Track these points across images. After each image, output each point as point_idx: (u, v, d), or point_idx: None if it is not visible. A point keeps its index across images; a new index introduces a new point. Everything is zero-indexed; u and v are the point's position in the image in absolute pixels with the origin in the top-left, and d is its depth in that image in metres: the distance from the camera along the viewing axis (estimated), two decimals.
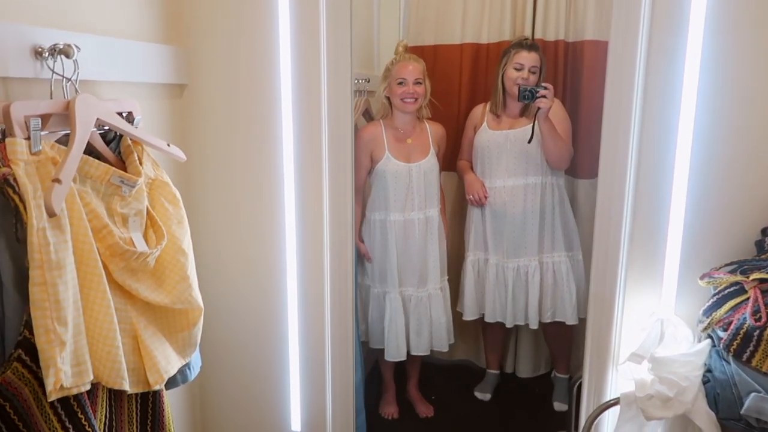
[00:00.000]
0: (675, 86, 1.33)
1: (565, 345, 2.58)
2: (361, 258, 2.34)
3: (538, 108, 2.16)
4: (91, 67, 1.15)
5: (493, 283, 2.45)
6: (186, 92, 1.57)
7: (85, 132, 0.99)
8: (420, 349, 2.38)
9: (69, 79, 1.04)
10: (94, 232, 0.98)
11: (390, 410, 2.56)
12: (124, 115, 1.16)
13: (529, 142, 2.26)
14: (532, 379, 2.78)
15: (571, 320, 2.42)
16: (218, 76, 1.56)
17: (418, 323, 2.35)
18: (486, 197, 2.38)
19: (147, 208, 1.13)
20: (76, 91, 1.04)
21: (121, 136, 1.15)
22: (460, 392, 2.75)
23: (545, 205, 2.37)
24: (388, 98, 2.30)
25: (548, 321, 2.44)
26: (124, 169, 1.12)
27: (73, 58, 1.03)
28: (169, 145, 1.24)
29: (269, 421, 1.72)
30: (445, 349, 2.43)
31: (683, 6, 1.30)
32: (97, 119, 1.05)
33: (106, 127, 1.11)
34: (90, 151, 1.06)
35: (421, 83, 2.25)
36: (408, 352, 2.39)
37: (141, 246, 1.08)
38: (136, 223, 1.10)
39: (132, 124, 1.16)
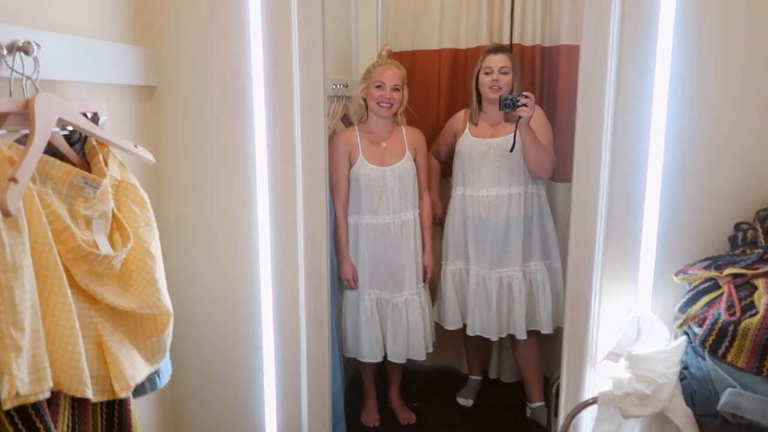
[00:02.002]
0: (646, 87, 1.34)
1: (535, 362, 2.50)
2: (337, 263, 2.31)
3: (519, 117, 2.16)
4: (55, 66, 1.13)
5: (474, 294, 2.42)
6: (156, 94, 1.54)
7: (44, 131, 0.96)
8: (396, 356, 2.34)
9: (29, 78, 1.01)
10: (55, 235, 0.95)
11: (371, 418, 2.53)
12: (89, 115, 1.13)
13: (511, 151, 2.25)
14: (515, 384, 2.76)
15: (545, 329, 2.40)
16: (189, 78, 1.53)
17: (394, 329, 2.32)
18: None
19: (113, 211, 1.10)
20: (37, 90, 1.02)
21: (86, 137, 1.12)
22: (443, 398, 2.73)
23: (527, 215, 2.36)
24: (365, 100, 2.29)
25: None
26: (89, 171, 1.09)
27: (33, 56, 1.00)
28: (136, 146, 1.21)
29: (244, 429, 1.68)
30: (422, 358, 2.38)
31: (653, 7, 1.31)
32: (60, 119, 1.02)
33: (70, 128, 1.08)
34: (52, 152, 1.03)
35: (399, 90, 2.25)
36: (386, 359, 2.37)
37: (105, 249, 1.05)
38: (101, 225, 1.07)
39: (97, 125, 1.13)
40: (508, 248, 2.36)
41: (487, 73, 2.30)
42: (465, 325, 2.49)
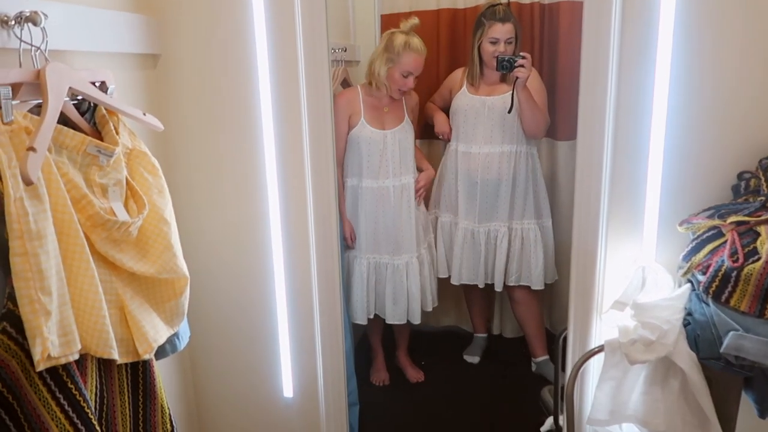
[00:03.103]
0: (650, 38, 1.34)
1: (534, 316, 2.56)
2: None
3: (517, 77, 2.16)
4: (60, 36, 1.13)
5: (460, 246, 2.47)
6: (160, 62, 1.54)
7: (57, 100, 0.97)
8: (397, 318, 2.39)
9: (38, 48, 1.01)
10: (73, 203, 0.97)
11: (380, 377, 2.59)
12: (97, 84, 1.14)
13: (509, 112, 2.27)
14: (519, 339, 2.81)
15: (536, 285, 2.46)
16: (192, 45, 1.53)
17: (394, 292, 2.36)
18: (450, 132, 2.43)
19: (126, 178, 1.11)
20: (46, 60, 1.02)
21: (95, 106, 1.13)
22: (450, 357, 2.80)
23: (519, 173, 2.39)
24: (379, 74, 2.24)
25: (513, 285, 2.48)
26: (101, 140, 1.10)
27: (41, 26, 1.00)
28: (145, 114, 1.22)
29: (262, 388, 1.74)
30: (418, 321, 2.42)
31: None
32: (70, 88, 1.03)
33: (80, 98, 1.09)
34: (64, 121, 1.04)
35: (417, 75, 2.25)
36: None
37: (122, 215, 1.07)
38: (116, 193, 1.09)
39: (106, 94, 1.14)
40: (498, 204, 2.41)
41: (492, 43, 2.28)
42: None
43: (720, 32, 1.31)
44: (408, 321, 2.41)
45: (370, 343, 2.65)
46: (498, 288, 2.50)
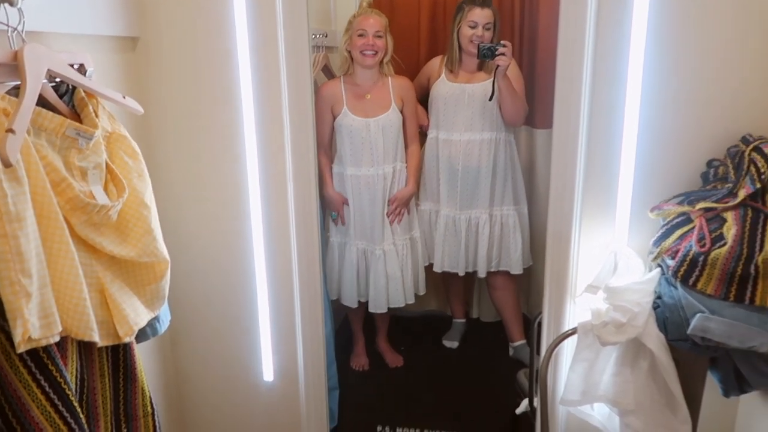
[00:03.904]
0: (624, 29, 1.36)
1: (512, 302, 2.61)
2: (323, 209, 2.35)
3: (497, 65, 2.18)
4: (37, 17, 1.11)
5: (442, 234, 2.50)
6: (139, 45, 1.53)
7: (36, 82, 0.96)
8: (378, 306, 2.41)
9: (15, 29, 1.00)
10: (52, 186, 0.96)
11: (360, 362, 2.63)
12: (75, 67, 1.13)
13: (490, 99, 2.29)
14: (497, 324, 2.85)
15: (515, 269, 2.51)
16: (171, 28, 1.52)
17: (375, 279, 2.39)
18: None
19: (106, 162, 1.11)
20: (23, 41, 1.01)
21: (74, 89, 1.12)
22: (429, 342, 2.84)
23: (498, 161, 2.43)
24: (349, 52, 2.28)
25: (493, 270, 2.52)
26: (80, 123, 1.09)
27: (17, 6, 0.99)
28: (125, 97, 1.21)
29: (242, 372, 1.75)
30: (401, 305, 2.44)
31: None
32: (49, 70, 1.02)
33: (58, 80, 1.08)
34: (43, 104, 1.03)
35: (381, 37, 2.24)
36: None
37: (102, 199, 1.07)
38: (96, 176, 1.08)
39: (84, 77, 1.13)
40: (478, 191, 2.44)
41: (471, 27, 2.30)
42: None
43: (691, 23, 1.34)
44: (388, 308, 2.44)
45: (351, 328, 2.67)
46: (481, 274, 2.53)
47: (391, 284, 2.41)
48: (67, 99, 1.12)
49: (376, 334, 2.70)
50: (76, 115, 1.12)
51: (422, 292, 2.54)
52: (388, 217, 2.37)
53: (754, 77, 1.34)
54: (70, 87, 1.12)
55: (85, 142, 1.05)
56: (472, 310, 3.01)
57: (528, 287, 2.88)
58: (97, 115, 1.12)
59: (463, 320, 2.89)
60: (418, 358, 2.69)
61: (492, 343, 2.79)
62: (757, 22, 1.32)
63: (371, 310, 2.44)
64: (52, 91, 1.08)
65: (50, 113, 1.00)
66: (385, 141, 2.32)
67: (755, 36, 1.32)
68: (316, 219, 1.65)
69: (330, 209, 2.38)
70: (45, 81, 1.03)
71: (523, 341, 2.63)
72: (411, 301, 2.48)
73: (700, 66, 1.36)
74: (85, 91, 1.12)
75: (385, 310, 2.44)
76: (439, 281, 2.88)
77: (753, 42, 1.33)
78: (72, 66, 1.11)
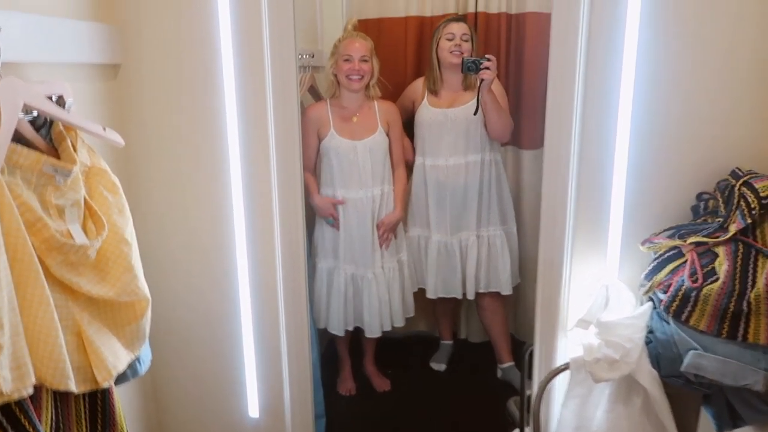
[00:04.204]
0: (616, 56, 1.36)
1: (500, 323, 2.59)
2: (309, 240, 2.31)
3: (482, 80, 2.18)
4: (15, 47, 1.07)
5: (435, 260, 2.47)
6: (120, 72, 1.49)
7: (11, 118, 0.92)
8: (372, 331, 2.38)
9: None
10: (27, 226, 0.92)
11: (347, 386, 2.58)
12: (54, 98, 1.08)
13: (475, 113, 2.28)
14: (485, 345, 2.81)
15: (505, 290, 2.49)
16: (154, 54, 1.48)
17: (369, 304, 2.35)
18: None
19: (85, 198, 1.07)
20: None
21: (52, 121, 1.08)
22: (417, 364, 2.80)
23: (483, 182, 2.42)
24: (335, 75, 2.26)
25: (483, 291, 2.50)
26: (57, 157, 1.05)
27: None
28: (105, 129, 1.17)
29: (227, 409, 1.70)
30: (389, 329, 2.42)
31: None
32: (25, 104, 0.98)
33: (35, 113, 1.04)
34: (18, 138, 0.99)
35: (367, 61, 2.22)
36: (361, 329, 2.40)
37: (80, 238, 1.03)
38: (74, 214, 1.04)
39: (64, 108, 1.09)
40: (466, 213, 2.43)
41: (449, 39, 2.31)
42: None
43: (681, 56, 1.34)
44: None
45: (337, 352, 2.63)
46: (470, 296, 2.50)
47: (382, 307, 2.37)
48: (44, 132, 1.08)
49: (363, 357, 2.66)
50: (54, 150, 1.08)
51: (411, 314, 2.51)
52: (381, 241, 2.34)
53: (743, 110, 1.34)
54: (48, 119, 1.08)
55: (62, 179, 1.01)
56: (460, 331, 2.98)
57: (515, 307, 2.86)
58: (75, 149, 1.08)
59: (451, 342, 2.86)
60: (405, 382, 2.65)
61: (480, 365, 2.76)
62: (746, 55, 1.32)
63: (368, 335, 2.41)
64: (28, 125, 1.03)
65: (26, 149, 0.96)
66: (373, 163, 2.29)
67: (745, 69, 1.33)
68: (302, 247, 1.61)
69: (322, 216, 2.33)
70: (21, 115, 0.99)
71: (511, 363, 2.60)
72: (401, 324, 2.44)
73: (689, 98, 1.36)
74: (63, 124, 1.08)
75: (380, 335, 2.41)
76: (427, 302, 2.85)
77: (742, 75, 1.33)
78: (50, 97, 1.07)
